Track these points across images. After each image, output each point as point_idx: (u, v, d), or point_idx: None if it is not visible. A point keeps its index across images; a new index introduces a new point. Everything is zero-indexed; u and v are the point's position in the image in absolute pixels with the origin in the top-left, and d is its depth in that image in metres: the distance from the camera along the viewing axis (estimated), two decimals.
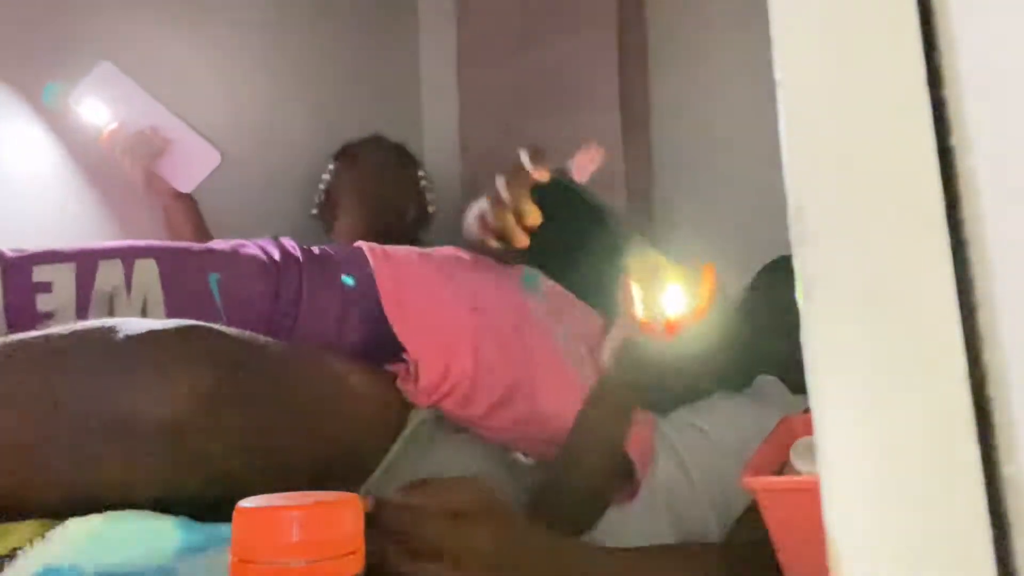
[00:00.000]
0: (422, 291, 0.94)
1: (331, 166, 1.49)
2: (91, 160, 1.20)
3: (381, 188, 1.42)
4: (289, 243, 0.96)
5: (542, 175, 0.80)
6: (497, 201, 0.84)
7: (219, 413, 0.63)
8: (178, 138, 1.14)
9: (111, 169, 1.19)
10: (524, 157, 0.80)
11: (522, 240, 0.84)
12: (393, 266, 0.95)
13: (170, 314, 0.78)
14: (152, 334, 0.65)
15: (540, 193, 0.83)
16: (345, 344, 0.90)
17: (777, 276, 1.13)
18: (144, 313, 0.78)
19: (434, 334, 0.90)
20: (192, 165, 1.13)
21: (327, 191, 1.47)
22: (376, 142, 1.49)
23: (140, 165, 1.14)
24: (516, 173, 0.82)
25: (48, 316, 0.76)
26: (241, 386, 0.66)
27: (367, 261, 0.95)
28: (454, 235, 1.17)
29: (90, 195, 1.21)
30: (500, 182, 0.84)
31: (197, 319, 0.76)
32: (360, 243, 0.99)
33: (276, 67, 1.49)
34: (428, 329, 0.90)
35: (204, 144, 1.13)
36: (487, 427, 0.92)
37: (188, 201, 1.23)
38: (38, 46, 1.16)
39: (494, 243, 0.88)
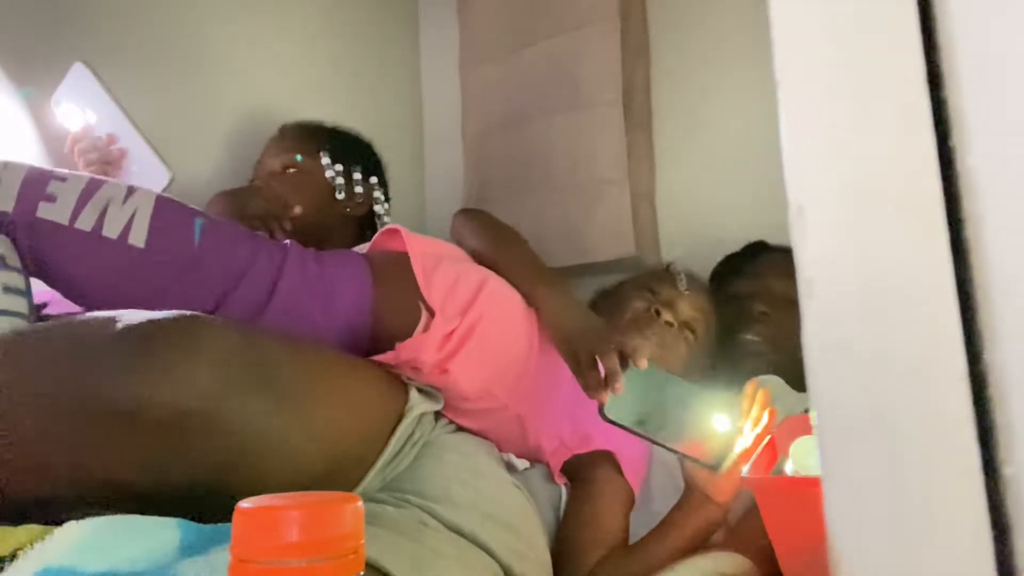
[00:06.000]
0: (446, 260, 0.97)
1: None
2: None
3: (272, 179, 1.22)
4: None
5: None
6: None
7: (220, 408, 0.63)
8: (133, 151, 1.07)
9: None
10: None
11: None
12: (418, 239, 0.99)
13: (152, 231, 0.81)
14: (152, 325, 0.63)
15: None
16: (331, 318, 0.90)
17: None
18: (129, 223, 0.80)
19: (455, 291, 0.92)
20: (143, 182, 1.00)
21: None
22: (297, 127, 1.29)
23: (90, 172, 1.03)
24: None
25: (51, 199, 0.78)
26: (242, 381, 0.65)
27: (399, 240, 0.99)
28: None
29: None
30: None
31: (174, 248, 0.81)
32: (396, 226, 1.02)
33: (274, 66, 1.48)
34: (450, 285, 0.93)
35: (155, 161, 1.05)
36: (485, 412, 0.92)
37: None
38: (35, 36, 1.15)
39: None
